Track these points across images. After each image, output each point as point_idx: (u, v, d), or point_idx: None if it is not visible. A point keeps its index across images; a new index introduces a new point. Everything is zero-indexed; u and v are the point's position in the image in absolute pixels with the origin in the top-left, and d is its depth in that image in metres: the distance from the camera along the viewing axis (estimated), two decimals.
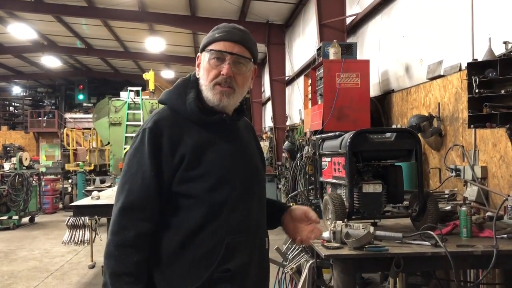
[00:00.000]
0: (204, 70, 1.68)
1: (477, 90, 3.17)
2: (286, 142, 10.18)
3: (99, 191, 7.06)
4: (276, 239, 7.78)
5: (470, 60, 3.50)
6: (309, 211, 1.86)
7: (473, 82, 3.20)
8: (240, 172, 1.68)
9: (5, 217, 10.34)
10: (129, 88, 12.24)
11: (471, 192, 3.87)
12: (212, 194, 1.60)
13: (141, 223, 1.57)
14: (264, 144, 14.15)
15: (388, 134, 3.15)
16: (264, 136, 15.26)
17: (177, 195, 1.62)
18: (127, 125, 11.71)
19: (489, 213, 3.36)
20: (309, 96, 6.77)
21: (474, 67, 3.27)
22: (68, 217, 5.97)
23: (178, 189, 1.61)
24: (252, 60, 1.71)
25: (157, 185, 1.60)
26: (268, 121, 15.39)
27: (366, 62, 5.88)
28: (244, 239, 1.64)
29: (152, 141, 1.61)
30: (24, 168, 11.01)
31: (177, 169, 1.60)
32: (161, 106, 1.77)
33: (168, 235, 1.62)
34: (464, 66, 4.05)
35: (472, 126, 3.33)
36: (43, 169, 13.66)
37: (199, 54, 1.74)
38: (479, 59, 3.43)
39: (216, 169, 1.62)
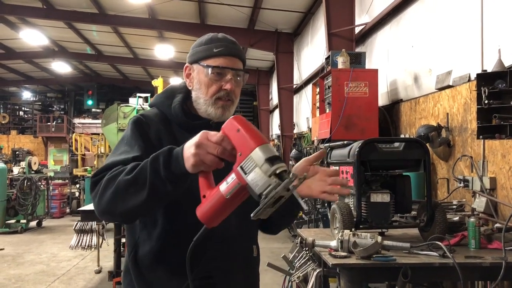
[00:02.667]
0: (202, 85, 1.66)
1: (486, 101, 3.17)
2: (294, 150, 10.19)
3: None
4: (282, 247, 7.77)
5: (479, 71, 3.50)
6: (304, 160, 1.62)
7: (483, 93, 3.20)
8: (222, 177, 1.64)
9: (13, 221, 10.41)
10: (138, 94, 12.32)
11: (480, 203, 3.85)
12: (190, 199, 1.49)
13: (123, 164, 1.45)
14: None
15: (396, 144, 3.15)
16: (271, 143, 15.25)
17: None
18: None
19: (497, 225, 3.34)
20: (317, 104, 6.79)
21: (484, 78, 3.27)
22: (76, 222, 6.01)
23: None
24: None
25: (142, 152, 1.51)
26: (275, 129, 15.40)
27: (375, 72, 5.90)
28: (226, 246, 1.62)
29: (139, 128, 1.60)
30: (33, 172, 11.09)
31: None
32: None
33: (147, 239, 1.61)
34: (473, 76, 4.04)
35: (481, 137, 3.33)
36: (51, 174, 13.75)
37: (188, 65, 1.71)
38: (489, 70, 3.43)
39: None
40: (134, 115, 1.72)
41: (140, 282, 1.61)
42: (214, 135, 1.32)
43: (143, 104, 12.16)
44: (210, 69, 1.64)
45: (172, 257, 1.58)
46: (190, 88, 1.71)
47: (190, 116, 1.69)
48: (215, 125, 1.68)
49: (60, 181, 13.48)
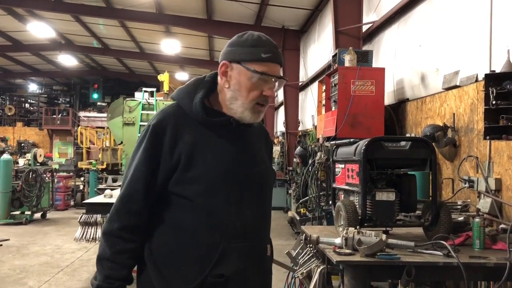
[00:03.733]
0: (242, 87, 1.62)
1: (494, 102, 3.17)
2: (298, 148, 10.18)
3: (111, 189, 7.13)
4: (285, 244, 7.78)
5: (487, 72, 3.49)
6: None
7: (490, 93, 3.19)
8: (240, 176, 1.65)
9: (18, 212, 10.47)
10: (143, 88, 12.33)
11: (484, 203, 3.84)
12: (206, 197, 1.59)
13: (128, 216, 1.60)
14: (276, 149, 14.16)
15: (403, 143, 3.15)
16: (275, 141, 15.28)
17: (173, 195, 1.62)
18: (140, 125, 11.77)
19: (502, 226, 3.34)
20: (323, 102, 6.78)
21: (492, 79, 3.27)
22: (81, 214, 6.02)
23: (173, 189, 1.62)
24: None
25: (146, 181, 1.61)
26: (280, 126, 15.40)
27: (382, 70, 5.89)
28: (241, 245, 1.62)
29: (152, 138, 1.62)
30: (38, 164, 11.14)
31: (175, 168, 1.60)
32: None
33: (164, 233, 1.63)
34: (480, 77, 4.03)
35: (487, 137, 3.33)
36: (56, 166, 13.82)
37: (227, 62, 1.64)
38: (497, 71, 3.42)
39: (212, 172, 1.60)
40: (153, 116, 1.70)
41: (154, 273, 1.63)
42: None
43: (148, 99, 12.17)
44: (257, 75, 1.60)
45: (187, 253, 1.60)
46: (226, 87, 1.65)
47: (211, 112, 1.67)
48: (235, 122, 1.68)
49: (64, 173, 13.53)
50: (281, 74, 1.66)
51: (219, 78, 1.69)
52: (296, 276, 3.44)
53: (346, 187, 3.36)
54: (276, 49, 1.66)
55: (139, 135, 1.71)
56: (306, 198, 7.35)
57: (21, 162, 12.12)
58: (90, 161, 14.69)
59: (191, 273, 1.58)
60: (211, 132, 1.65)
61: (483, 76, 3.44)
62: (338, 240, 2.78)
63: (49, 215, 11.34)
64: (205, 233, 1.59)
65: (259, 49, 1.62)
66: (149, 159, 1.61)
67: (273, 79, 1.63)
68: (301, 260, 3.44)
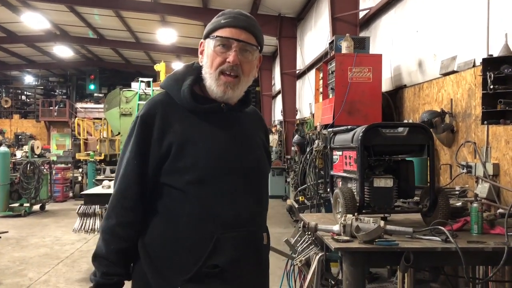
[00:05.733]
0: (208, 58, 1.61)
1: (491, 86, 3.15)
2: (296, 136, 10.18)
3: (110, 180, 7.13)
4: (284, 232, 7.81)
5: (485, 56, 3.47)
6: None
7: (488, 78, 3.17)
8: (234, 164, 1.61)
9: (16, 204, 10.48)
10: (140, 79, 12.28)
11: (482, 189, 3.85)
12: (198, 187, 1.55)
13: (123, 211, 1.59)
14: (273, 138, 14.15)
15: (400, 129, 3.14)
16: (273, 129, 15.26)
17: (165, 186, 1.59)
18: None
19: (500, 210, 3.34)
20: (320, 89, 6.75)
21: (490, 63, 3.25)
22: (79, 206, 6.02)
23: (165, 180, 1.58)
24: (258, 47, 1.65)
25: (139, 174, 1.58)
26: (277, 115, 15.37)
27: (379, 57, 5.85)
28: (235, 234, 1.58)
29: (141, 129, 1.59)
30: (36, 156, 11.12)
31: (165, 159, 1.57)
32: None
33: (157, 225, 1.60)
34: (478, 62, 4.01)
35: (485, 122, 3.31)
36: (54, 158, 13.79)
37: (202, 40, 1.67)
38: (495, 55, 3.40)
39: (203, 161, 1.56)
40: (142, 108, 1.66)
41: (148, 266, 1.60)
42: None
43: (145, 89, 12.12)
44: (217, 42, 1.58)
45: (180, 244, 1.57)
46: (201, 64, 1.65)
47: (200, 99, 1.63)
48: (226, 108, 1.63)
49: (62, 165, 13.52)
50: (253, 42, 1.60)
51: (199, 58, 1.68)
52: (295, 263, 3.45)
53: (344, 174, 3.36)
54: (243, 16, 1.62)
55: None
56: (305, 186, 7.35)
57: (19, 154, 12.09)
58: (88, 152, 14.65)
59: (185, 264, 1.55)
60: (201, 120, 1.61)
61: (481, 61, 3.42)
62: (336, 227, 2.78)
63: (48, 206, 11.35)
64: (198, 224, 1.56)
65: (221, 17, 1.62)
66: (140, 151, 1.58)
67: (234, 45, 1.57)
68: (299, 248, 3.45)
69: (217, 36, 1.58)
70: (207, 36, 1.63)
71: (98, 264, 1.60)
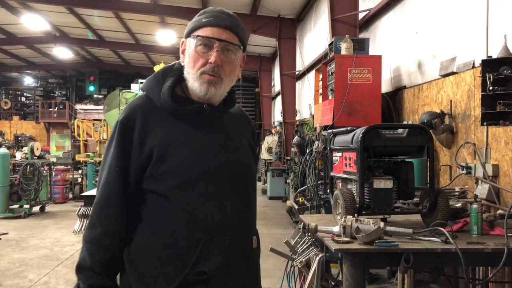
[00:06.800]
0: (190, 58, 1.56)
1: (491, 88, 3.16)
2: (296, 137, 10.19)
3: None
4: (284, 233, 7.80)
5: (484, 57, 3.48)
6: None
7: (487, 79, 3.18)
8: (218, 166, 1.56)
9: (16, 206, 10.47)
10: (139, 80, 12.29)
11: (482, 190, 3.85)
12: (183, 192, 1.50)
13: (108, 221, 1.52)
14: (273, 139, 14.16)
15: (400, 130, 3.14)
16: (273, 130, 15.26)
17: (148, 192, 1.53)
18: None
19: (500, 211, 3.34)
20: (320, 91, 6.76)
21: (489, 64, 3.25)
22: (79, 207, 6.04)
23: (148, 186, 1.53)
24: (241, 47, 1.59)
25: (122, 182, 1.52)
26: (277, 116, 15.38)
27: (378, 58, 5.86)
28: (223, 239, 1.53)
29: (121, 135, 1.53)
30: (35, 158, 11.12)
31: (147, 164, 1.51)
32: None
33: (142, 232, 1.54)
34: (477, 63, 4.02)
35: (485, 123, 3.32)
36: (54, 159, 13.79)
37: (183, 40, 1.61)
38: (494, 56, 3.41)
39: (186, 165, 1.50)
40: (122, 112, 1.62)
41: (134, 275, 1.55)
42: None
43: None
44: (198, 42, 1.53)
45: (166, 252, 1.51)
46: (183, 64, 1.59)
47: (181, 101, 1.57)
48: (209, 109, 1.58)
49: (62, 166, 13.51)
50: (236, 42, 1.55)
51: (181, 57, 1.63)
52: (295, 264, 3.46)
53: (344, 176, 3.36)
54: (224, 15, 1.56)
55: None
56: (304, 187, 7.36)
57: (18, 155, 12.07)
58: (87, 153, 14.66)
59: (171, 272, 1.49)
60: (183, 123, 1.55)
61: (480, 62, 3.43)
62: (336, 228, 2.78)
63: (47, 208, 11.34)
64: (184, 230, 1.50)
65: (202, 16, 1.57)
66: (121, 157, 1.52)
67: (215, 45, 1.52)
68: (299, 249, 3.45)
69: (198, 36, 1.53)
70: (188, 35, 1.58)
71: (83, 276, 1.54)
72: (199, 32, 1.54)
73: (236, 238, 1.57)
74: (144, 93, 1.64)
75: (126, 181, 1.53)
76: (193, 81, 1.55)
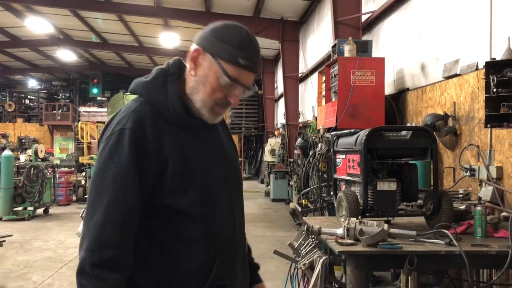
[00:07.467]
0: (208, 82, 1.45)
1: (494, 90, 3.16)
2: (299, 139, 10.19)
3: None
4: (287, 235, 7.80)
5: (488, 60, 3.47)
6: None
7: (491, 81, 3.18)
8: (222, 179, 1.53)
9: (20, 208, 10.50)
10: None
11: (486, 192, 3.84)
12: (199, 206, 1.44)
13: (125, 238, 1.36)
14: (276, 141, 14.17)
15: (403, 132, 3.15)
16: (276, 132, 15.27)
17: (163, 208, 1.44)
18: None
19: (504, 214, 3.34)
20: (323, 93, 6.77)
21: (492, 66, 3.25)
22: (83, 209, 6.04)
23: (163, 201, 1.43)
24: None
25: (139, 197, 1.39)
26: (280, 118, 15.39)
27: (381, 60, 5.86)
28: (233, 250, 1.54)
29: (135, 145, 1.38)
30: (39, 160, 11.16)
31: (161, 177, 1.41)
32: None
33: (157, 248, 1.45)
34: (481, 65, 4.02)
35: (488, 125, 3.32)
36: (58, 162, 13.83)
37: (199, 48, 1.46)
38: (497, 58, 3.40)
39: (200, 179, 1.46)
40: (119, 116, 1.47)
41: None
42: None
43: None
44: (226, 78, 1.43)
45: (184, 268, 1.45)
46: (192, 74, 1.48)
47: (187, 111, 1.50)
48: (210, 127, 1.56)
49: (66, 169, 13.56)
50: (253, 82, 1.50)
51: (187, 62, 1.50)
52: (298, 267, 3.46)
53: (347, 178, 3.36)
54: (257, 57, 1.48)
55: (104, 136, 1.46)
56: (308, 189, 7.36)
57: (22, 158, 12.11)
58: (91, 156, 14.68)
59: (189, 286, 1.45)
60: (188, 133, 1.49)
61: (484, 64, 3.43)
62: (340, 231, 2.79)
63: (51, 210, 11.38)
64: (201, 244, 1.45)
65: (239, 52, 1.43)
66: (138, 169, 1.38)
67: (242, 89, 1.48)
68: (303, 251, 3.46)
69: (231, 78, 1.43)
70: (213, 55, 1.44)
71: None
72: (232, 71, 1.43)
73: (239, 247, 1.59)
74: (138, 96, 1.52)
75: (143, 197, 1.41)
76: (202, 106, 1.48)
